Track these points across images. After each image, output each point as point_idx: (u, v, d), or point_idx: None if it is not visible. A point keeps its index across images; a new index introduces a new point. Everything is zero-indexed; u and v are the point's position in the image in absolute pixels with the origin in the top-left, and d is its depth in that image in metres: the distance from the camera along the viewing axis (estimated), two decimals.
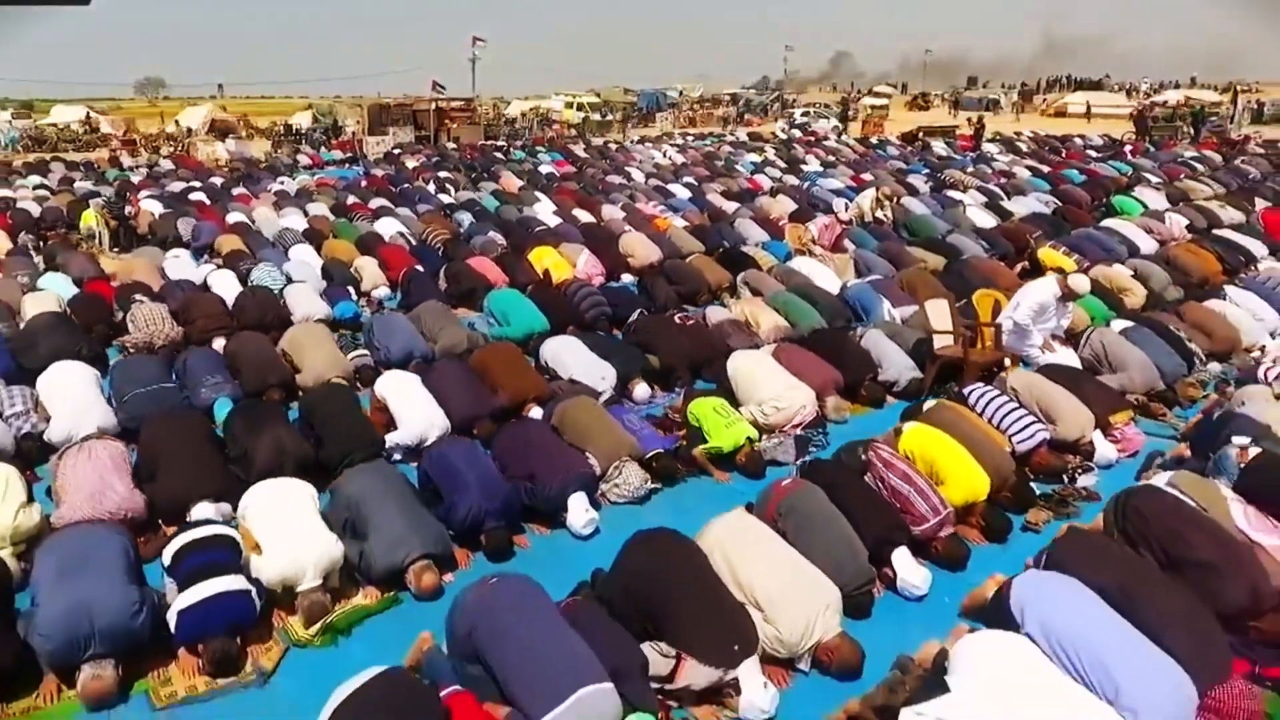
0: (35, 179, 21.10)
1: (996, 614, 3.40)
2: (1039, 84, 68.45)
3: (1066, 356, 6.76)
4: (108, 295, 8.98)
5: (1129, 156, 22.95)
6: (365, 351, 7.32)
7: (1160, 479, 4.47)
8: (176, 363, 6.65)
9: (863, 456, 4.75)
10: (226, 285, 9.14)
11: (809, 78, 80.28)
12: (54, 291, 8.78)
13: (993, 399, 5.61)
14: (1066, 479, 5.35)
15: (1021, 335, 6.83)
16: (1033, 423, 5.47)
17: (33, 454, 5.49)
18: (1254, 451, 4.57)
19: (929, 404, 5.59)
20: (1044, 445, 5.42)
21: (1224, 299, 8.29)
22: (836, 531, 4.14)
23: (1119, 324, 7.31)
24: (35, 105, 47.51)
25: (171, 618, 3.72)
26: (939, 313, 6.95)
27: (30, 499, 4.63)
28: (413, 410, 5.70)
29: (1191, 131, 30.90)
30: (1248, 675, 3.58)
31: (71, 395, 5.89)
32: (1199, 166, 20.70)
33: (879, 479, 4.61)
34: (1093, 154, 24.27)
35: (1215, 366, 7.23)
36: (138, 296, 8.57)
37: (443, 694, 3.10)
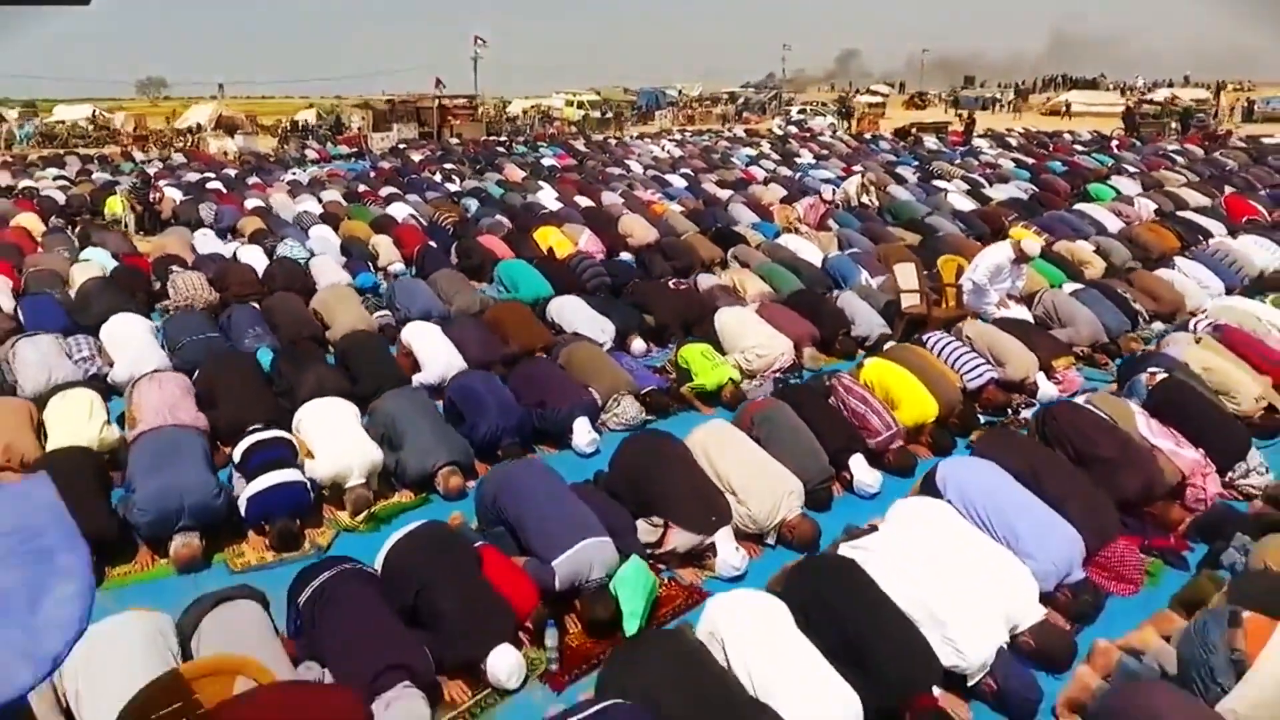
0: (54, 171, 21.81)
1: (925, 487, 4.15)
2: (1035, 83, 69.09)
3: (1020, 313, 7.49)
4: (145, 268, 9.72)
5: (1115, 150, 23.69)
6: (388, 312, 8.06)
7: (1080, 399, 5.21)
8: (221, 317, 7.42)
9: (827, 384, 5.49)
10: (255, 258, 9.89)
11: (815, 76, 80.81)
12: (98, 262, 9.52)
13: (948, 344, 6.35)
14: (1010, 412, 6.09)
15: (980, 294, 7.55)
16: (982, 364, 6.21)
17: (102, 393, 6.21)
18: (1161, 377, 5.32)
19: (889, 344, 6.31)
20: (992, 383, 6.15)
21: (1173, 268, 9.03)
22: (802, 438, 4.88)
23: (1070, 287, 8.05)
24: (37, 105, 47.91)
25: (242, 503, 4.47)
26: (906, 274, 7.69)
27: (109, 421, 5.39)
28: (435, 354, 6.44)
29: (1178, 128, 31.63)
30: (1140, 546, 4.33)
31: (131, 342, 6.65)
32: (1179, 159, 21.40)
33: (841, 401, 5.35)
34: (1079, 148, 24.99)
35: (1158, 325, 7.95)
36: (174, 267, 9.30)
37: (475, 545, 3.84)
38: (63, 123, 38.05)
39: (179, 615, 3.31)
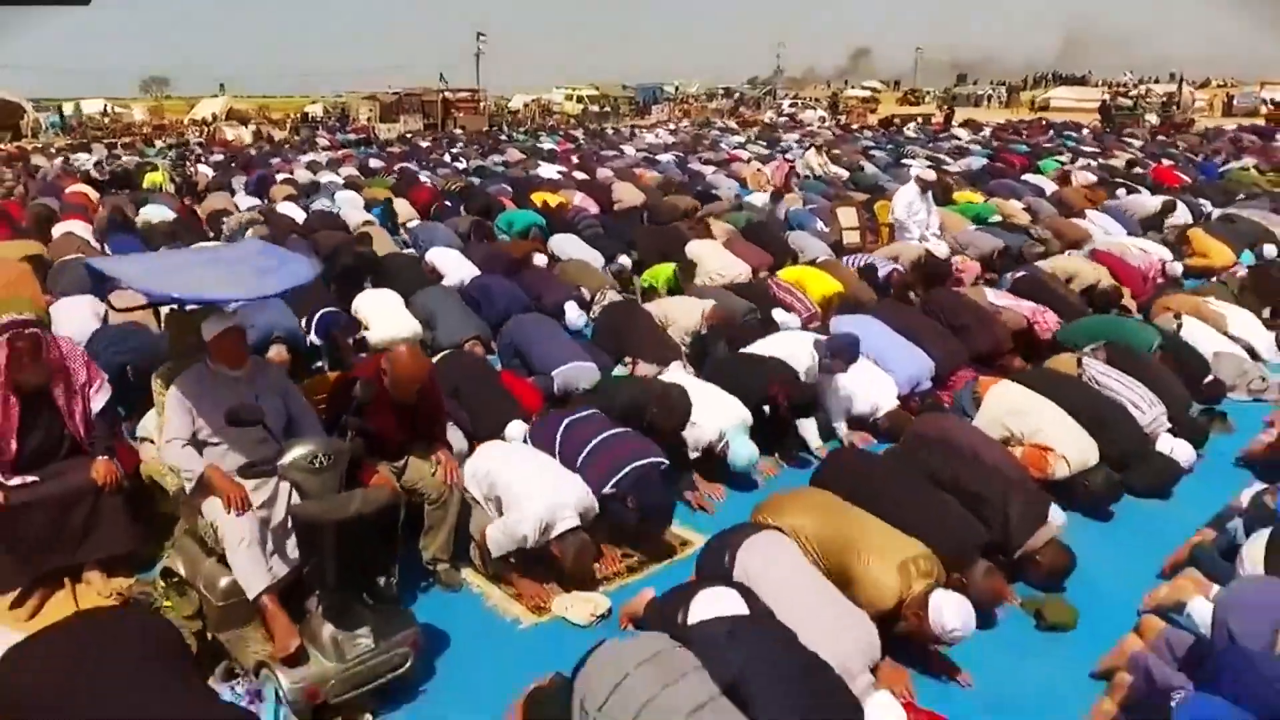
0: (83, 155, 23.37)
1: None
2: (1026, 80, 70.65)
3: (937, 247, 9.02)
4: (200, 220, 11.26)
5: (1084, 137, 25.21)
6: (413, 250, 9.59)
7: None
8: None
9: (764, 281, 7.06)
10: (292, 213, 11.41)
11: (825, 74, 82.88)
12: (159, 215, 11.06)
13: (859, 255, 7.93)
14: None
15: (902, 230, 9.06)
16: (888, 262, 7.77)
17: None
18: (1022, 273, 6.89)
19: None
20: (895, 273, 7.65)
21: (1084, 218, 10.55)
22: (737, 300, 6.45)
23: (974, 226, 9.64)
24: (42, 105, 49.13)
25: (313, 324, 6.01)
26: (847, 215, 9.26)
27: None
28: (455, 268, 7.98)
29: (1153, 120, 33.16)
30: None
31: None
32: (1135, 143, 22.93)
33: (773, 294, 6.91)
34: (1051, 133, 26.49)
35: None
36: (224, 218, 10.82)
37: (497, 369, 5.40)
38: (78, 116, 39.73)
39: None
